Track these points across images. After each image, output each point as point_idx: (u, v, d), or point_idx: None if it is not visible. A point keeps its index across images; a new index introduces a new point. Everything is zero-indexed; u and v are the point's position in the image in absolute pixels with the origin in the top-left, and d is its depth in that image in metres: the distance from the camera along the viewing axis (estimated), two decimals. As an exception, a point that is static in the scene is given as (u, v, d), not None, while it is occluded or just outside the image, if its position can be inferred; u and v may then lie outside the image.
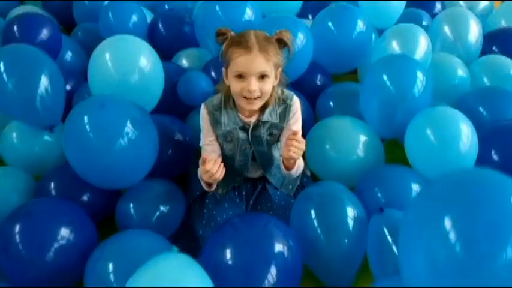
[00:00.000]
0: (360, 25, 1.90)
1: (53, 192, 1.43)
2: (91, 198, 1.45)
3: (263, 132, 1.37)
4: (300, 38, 1.77)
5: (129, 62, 1.51)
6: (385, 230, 1.16)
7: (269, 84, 1.25)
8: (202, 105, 1.37)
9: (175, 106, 1.77)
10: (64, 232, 1.20)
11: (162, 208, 1.40)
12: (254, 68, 1.20)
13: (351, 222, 1.24)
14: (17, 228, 1.17)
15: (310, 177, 1.57)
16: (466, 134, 1.38)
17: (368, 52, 1.98)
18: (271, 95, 1.30)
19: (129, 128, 1.29)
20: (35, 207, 1.26)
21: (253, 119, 1.35)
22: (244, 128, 1.36)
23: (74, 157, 1.33)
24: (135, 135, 1.30)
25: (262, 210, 1.43)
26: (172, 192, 1.46)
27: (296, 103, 1.37)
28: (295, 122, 1.38)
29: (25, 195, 1.48)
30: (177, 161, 1.59)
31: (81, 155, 1.30)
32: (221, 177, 1.21)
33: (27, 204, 1.29)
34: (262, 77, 1.22)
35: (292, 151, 1.21)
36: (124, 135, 1.28)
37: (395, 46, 1.84)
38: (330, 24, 1.90)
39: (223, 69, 1.29)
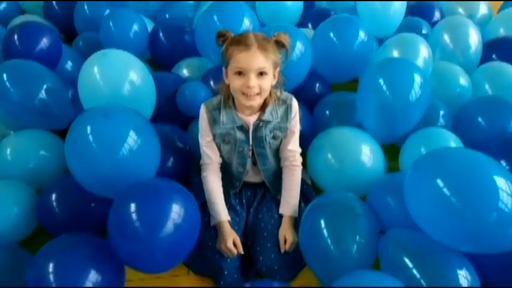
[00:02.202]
0: (362, 35, 1.90)
1: (56, 204, 1.42)
2: (94, 209, 1.44)
3: (266, 133, 1.38)
4: (299, 47, 1.77)
5: (119, 76, 1.53)
6: (396, 247, 1.17)
7: (268, 82, 1.28)
8: (202, 105, 1.39)
9: (176, 115, 1.78)
10: (94, 273, 1.15)
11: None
12: (253, 64, 1.23)
13: (362, 232, 1.24)
14: (50, 266, 1.13)
15: (310, 186, 1.57)
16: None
17: (369, 62, 1.98)
18: (270, 94, 1.33)
19: (132, 137, 1.29)
20: (65, 242, 1.22)
21: (252, 119, 1.36)
22: (242, 127, 1.37)
23: (77, 166, 1.32)
24: (138, 144, 1.30)
25: (263, 219, 1.42)
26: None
27: (295, 103, 1.41)
28: (296, 124, 1.41)
29: (26, 208, 1.46)
30: (178, 170, 1.59)
31: (84, 164, 1.30)
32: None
33: (60, 238, 1.24)
34: (261, 74, 1.25)
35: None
36: (127, 145, 1.27)
37: (395, 56, 1.85)
38: (331, 35, 1.90)
39: (223, 69, 1.32)
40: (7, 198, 1.46)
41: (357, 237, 1.22)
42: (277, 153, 1.46)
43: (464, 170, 1.07)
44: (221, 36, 1.31)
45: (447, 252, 1.13)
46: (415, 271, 1.10)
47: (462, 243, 1.10)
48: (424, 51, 1.85)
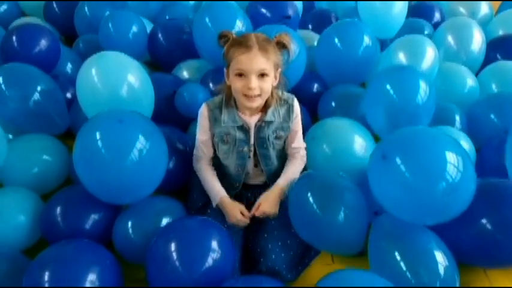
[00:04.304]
0: (366, 40, 1.90)
1: (61, 216, 1.38)
2: (100, 219, 1.41)
3: (269, 133, 1.38)
4: (293, 49, 1.75)
5: (116, 78, 1.52)
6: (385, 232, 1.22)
7: (269, 83, 1.28)
8: (204, 104, 1.40)
9: (175, 117, 1.78)
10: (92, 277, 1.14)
11: (161, 226, 1.35)
12: (254, 66, 1.23)
13: (347, 203, 1.27)
14: (46, 274, 1.11)
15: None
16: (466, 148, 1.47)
17: (374, 64, 1.97)
18: (271, 95, 1.34)
19: (143, 142, 1.28)
20: (63, 250, 1.20)
21: (253, 120, 1.37)
22: (242, 127, 1.37)
23: (86, 173, 1.31)
24: (148, 149, 1.29)
25: (264, 220, 1.41)
26: (173, 208, 1.43)
27: (297, 103, 1.42)
28: (298, 123, 1.43)
29: (33, 216, 1.43)
30: (178, 172, 1.58)
31: (94, 170, 1.28)
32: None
33: (56, 246, 1.23)
34: (262, 75, 1.26)
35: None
36: (139, 150, 1.27)
37: (402, 57, 1.84)
38: (336, 40, 1.90)
39: (225, 70, 1.32)
40: (14, 205, 1.43)
41: (343, 207, 1.25)
42: (280, 153, 1.47)
43: (419, 147, 1.13)
44: (223, 37, 1.31)
45: (424, 233, 1.20)
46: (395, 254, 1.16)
47: (416, 216, 1.17)
48: (430, 52, 1.84)
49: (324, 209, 1.25)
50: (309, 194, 1.27)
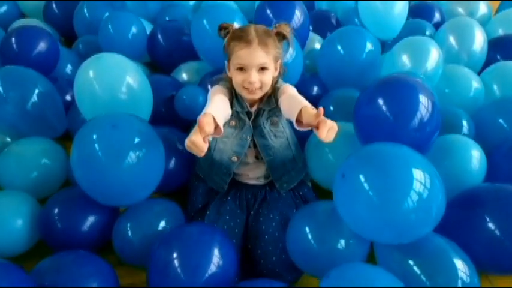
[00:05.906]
0: (369, 47, 1.88)
1: (60, 218, 1.38)
2: (98, 222, 1.41)
3: (263, 121, 1.36)
4: (290, 51, 1.73)
5: (114, 80, 1.51)
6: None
7: (269, 76, 1.29)
8: (216, 85, 1.37)
9: (175, 118, 1.78)
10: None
11: (160, 229, 1.36)
12: (254, 61, 1.24)
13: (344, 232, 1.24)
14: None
15: (310, 188, 1.55)
16: (477, 157, 1.46)
17: (376, 69, 1.96)
18: (271, 85, 1.34)
19: (139, 145, 1.29)
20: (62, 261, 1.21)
21: (254, 109, 1.37)
22: (248, 115, 1.37)
23: (83, 176, 1.31)
24: (144, 153, 1.29)
25: (264, 222, 1.40)
26: (171, 210, 1.43)
27: (285, 84, 1.38)
28: (288, 90, 1.33)
29: (30, 220, 1.42)
30: (178, 173, 1.58)
31: (91, 174, 1.29)
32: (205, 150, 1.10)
33: (53, 258, 1.23)
34: (262, 69, 1.27)
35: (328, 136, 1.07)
36: (134, 155, 1.27)
37: (405, 60, 1.82)
38: (339, 47, 1.89)
39: (226, 62, 1.33)
40: (10, 209, 1.42)
41: (340, 236, 1.23)
42: (286, 143, 1.43)
43: (383, 165, 1.10)
44: (223, 29, 1.33)
45: (443, 245, 1.15)
46: (413, 267, 1.13)
47: (383, 236, 1.14)
48: (434, 54, 1.81)
49: (322, 244, 1.24)
50: (305, 234, 1.25)
